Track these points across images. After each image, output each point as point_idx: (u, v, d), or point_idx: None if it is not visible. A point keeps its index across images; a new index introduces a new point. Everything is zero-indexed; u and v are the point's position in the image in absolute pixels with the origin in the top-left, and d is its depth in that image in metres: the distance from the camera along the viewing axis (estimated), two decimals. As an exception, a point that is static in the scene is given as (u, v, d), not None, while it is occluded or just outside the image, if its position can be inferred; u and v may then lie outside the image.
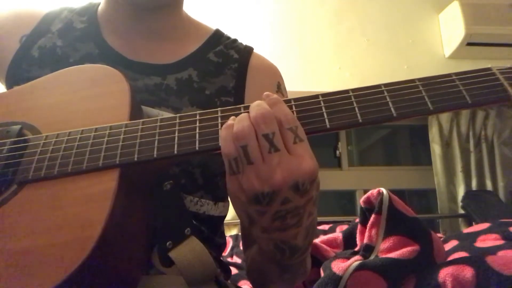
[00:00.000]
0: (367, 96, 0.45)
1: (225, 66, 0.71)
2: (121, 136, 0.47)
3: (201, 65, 0.70)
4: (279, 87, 0.75)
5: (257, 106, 0.43)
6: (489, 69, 0.46)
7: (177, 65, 0.69)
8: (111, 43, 0.69)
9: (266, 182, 0.40)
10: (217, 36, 0.76)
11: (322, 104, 0.45)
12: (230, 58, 0.72)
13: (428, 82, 0.45)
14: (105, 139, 0.47)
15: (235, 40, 0.77)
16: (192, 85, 0.67)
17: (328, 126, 0.44)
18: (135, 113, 0.51)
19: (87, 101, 0.53)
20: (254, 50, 0.77)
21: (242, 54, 0.73)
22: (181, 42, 0.73)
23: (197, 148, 0.44)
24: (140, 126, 0.47)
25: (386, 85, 0.45)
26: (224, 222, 0.72)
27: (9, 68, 0.68)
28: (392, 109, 0.44)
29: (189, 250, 0.52)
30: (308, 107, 0.45)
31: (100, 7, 0.74)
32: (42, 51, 0.68)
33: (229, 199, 0.72)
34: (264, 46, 2.47)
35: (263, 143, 0.40)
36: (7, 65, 0.68)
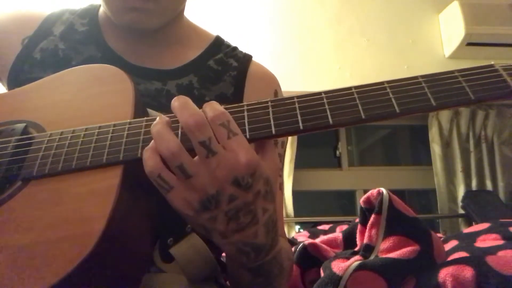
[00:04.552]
0: (370, 92, 0.45)
1: (224, 74, 0.72)
2: (125, 133, 0.47)
3: (201, 72, 0.71)
4: (276, 95, 0.75)
5: (186, 112, 0.41)
6: (491, 65, 0.46)
7: (178, 71, 0.70)
8: (113, 47, 0.70)
9: (209, 185, 0.40)
10: (218, 44, 0.76)
11: (325, 100, 0.45)
12: (230, 66, 0.73)
13: (431, 78, 0.45)
14: (109, 135, 0.47)
15: (235, 48, 0.77)
16: (193, 92, 0.68)
17: (331, 122, 0.44)
18: (139, 111, 0.51)
19: (91, 99, 0.53)
20: (253, 57, 0.77)
21: (241, 62, 0.74)
22: (183, 48, 0.73)
23: None
24: (143, 123, 0.47)
25: (388, 82, 0.46)
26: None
27: (11, 70, 0.68)
28: (395, 105, 0.44)
29: (190, 247, 0.52)
30: (311, 103, 0.45)
31: (101, 10, 0.74)
32: (44, 53, 0.68)
33: None
34: (264, 46, 2.48)
35: (200, 149, 0.40)
36: (9, 67, 0.69)
